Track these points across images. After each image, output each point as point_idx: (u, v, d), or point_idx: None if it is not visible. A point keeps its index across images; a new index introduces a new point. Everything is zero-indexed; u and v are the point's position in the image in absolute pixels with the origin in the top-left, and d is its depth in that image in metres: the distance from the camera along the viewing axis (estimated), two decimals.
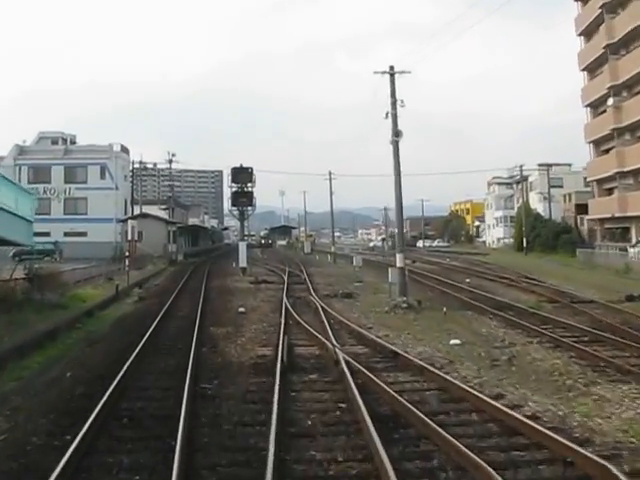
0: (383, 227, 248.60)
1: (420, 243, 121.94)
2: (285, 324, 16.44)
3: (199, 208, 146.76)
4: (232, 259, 50.61)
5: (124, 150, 61.76)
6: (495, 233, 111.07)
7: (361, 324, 17.48)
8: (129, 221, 46.64)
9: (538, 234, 64.39)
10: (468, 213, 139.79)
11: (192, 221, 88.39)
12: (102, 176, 57.98)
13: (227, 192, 43.48)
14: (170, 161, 62.11)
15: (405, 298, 22.25)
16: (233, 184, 41.93)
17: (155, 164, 62.44)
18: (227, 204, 55.02)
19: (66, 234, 52.73)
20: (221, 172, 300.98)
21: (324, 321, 17.03)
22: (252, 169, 41.99)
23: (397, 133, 23.44)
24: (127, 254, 34.94)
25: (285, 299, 23.21)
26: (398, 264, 24.23)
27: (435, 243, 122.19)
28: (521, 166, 72.78)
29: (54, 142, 59.99)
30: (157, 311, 20.10)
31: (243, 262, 39.90)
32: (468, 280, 32.28)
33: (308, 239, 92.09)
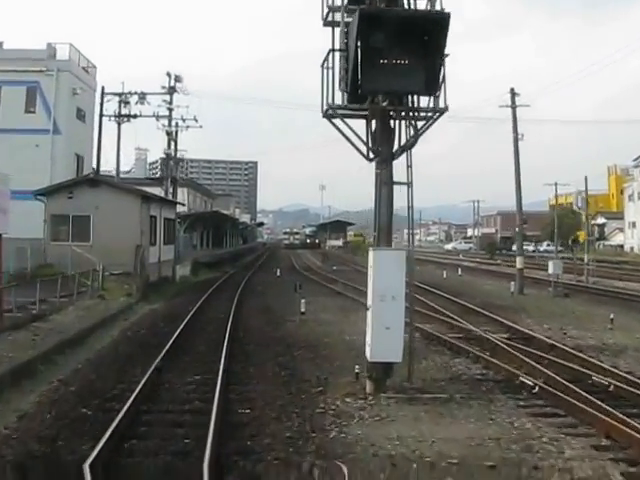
0: (432, 227, 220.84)
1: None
2: None
3: (228, 199, 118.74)
4: (285, 276, 34.83)
5: (87, 69, 33.20)
6: None
7: None
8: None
9: None
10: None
11: None
12: (29, 107, 29.52)
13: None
14: (171, 89, 33.32)
15: None
16: None
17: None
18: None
19: None
20: (255, 163, 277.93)
21: None
22: None
23: None
24: None
25: None
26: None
27: (543, 247, 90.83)
28: None
29: None
30: None
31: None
32: None
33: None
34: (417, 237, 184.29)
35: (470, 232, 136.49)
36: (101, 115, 32.03)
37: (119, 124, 33.40)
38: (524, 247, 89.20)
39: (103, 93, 31.92)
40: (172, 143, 36.55)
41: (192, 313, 19.74)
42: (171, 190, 38.25)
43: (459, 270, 44.63)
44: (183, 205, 37.78)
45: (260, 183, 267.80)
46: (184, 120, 34.22)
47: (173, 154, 35.45)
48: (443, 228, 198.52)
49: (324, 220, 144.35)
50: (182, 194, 66.07)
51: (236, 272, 40.95)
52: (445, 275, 40.63)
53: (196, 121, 34.53)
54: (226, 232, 64.94)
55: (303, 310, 20.29)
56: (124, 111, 33.07)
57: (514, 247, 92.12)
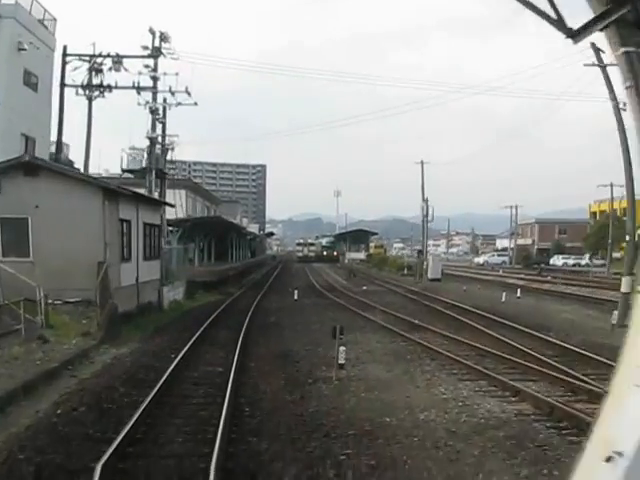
0: (456, 237, 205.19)
1: (557, 260, 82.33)
2: None
3: (235, 206, 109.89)
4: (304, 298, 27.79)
5: (44, 21, 24.82)
6: None
7: None
8: None
9: None
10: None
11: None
12: None
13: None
14: (156, 52, 24.74)
15: None
16: None
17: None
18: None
19: None
20: (264, 167, 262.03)
21: None
22: None
23: None
24: None
25: None
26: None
27: (584, 261, 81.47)
28: None
29: None
30: None
31: None
32: None
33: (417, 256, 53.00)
34: (439, 249, 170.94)
35: (500, 243, 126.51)
36: (62, 84, 23.72)
37: (90, 99, 25.01)
38: (562, 260, 79.91)
39: (65, 54, 23.60)
40: (162, 127, 28.18)
41: (174, 365, 12.23)
42: (165, 191, 29.92)
43: (518, 291, 36.08)
44: (172, 206, 29.18)
45: (268, 190, 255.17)
46: (173, 94, 25.59)
47: (160, 139, 26.92)
48: (467, 239, 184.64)
49: (340, 230, 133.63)
50: (179, 197, 57.65)
51: (243, 294, 32.45)
52: (504, 298, 32.21)
53: (189, 94, 25.87)
54: (231, 243, 56.42)
55: (342, 361, 12.32)
56: (97, 82, 24.70)
57: (552, 260, 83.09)
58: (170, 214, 33.19)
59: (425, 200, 44.58)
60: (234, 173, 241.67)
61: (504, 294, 33.22)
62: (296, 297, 30.58)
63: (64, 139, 26.31)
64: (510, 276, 54.60)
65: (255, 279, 47.40)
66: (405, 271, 55.03)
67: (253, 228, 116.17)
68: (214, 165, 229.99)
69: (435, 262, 44.23)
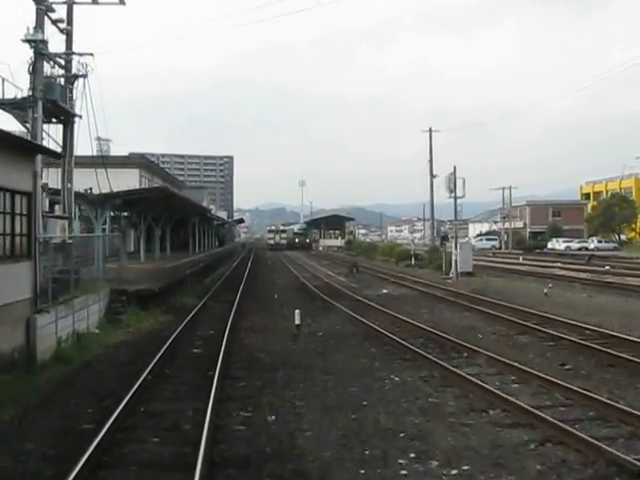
0: (418, 223, 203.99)
1: (557, 244, 72.73)
2: None
3: (202, 192, 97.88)
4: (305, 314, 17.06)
5: None
6: None
7: None
8: None
9: None
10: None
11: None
12: None
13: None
14: None
15: None
16: None
17: None
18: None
19: None
20: (231, 158, 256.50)
21: None
22: None
23: None
24: None
25: None
26: None
27: (593, 244, 71.55)
28: None
29: None
30: None
31: None
32: None
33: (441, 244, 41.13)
34: (402, 234, 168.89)
35: (473, 228, 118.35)
36: None
37: None
38: (564, 244, 69.84)
39: None
40: (66, 40, 16.18)
41: None
42: (72, 143, 18.01)
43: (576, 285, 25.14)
44: (58, 157, 16.67)
45: (236, 181, 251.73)
46: None
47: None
48: (428, 224, 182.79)
49: (306, 218, 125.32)
50: (132, 177, 45.22)
51: (203, 310, 20.54)
52: (546, 291, 21.35)
53: None
54: (194, 230, 44.26)
55: None
56: None
57: (551, 244, 73.63)
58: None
59: (453, 175, 32.98)
60: (202, 164, 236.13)
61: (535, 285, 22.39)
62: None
63: None
64: (540, 264, 43.68)
65: (224, 277, 35.25)
66: (412, 261, 43.63)
67: (222, 215, 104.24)
68: (182, 157, 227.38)
69: (466, 251, 32.73)
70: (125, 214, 26.40)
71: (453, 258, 31.55)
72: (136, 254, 32.05)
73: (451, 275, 32.75)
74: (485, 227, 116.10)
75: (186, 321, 17.01)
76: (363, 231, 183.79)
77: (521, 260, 49.32)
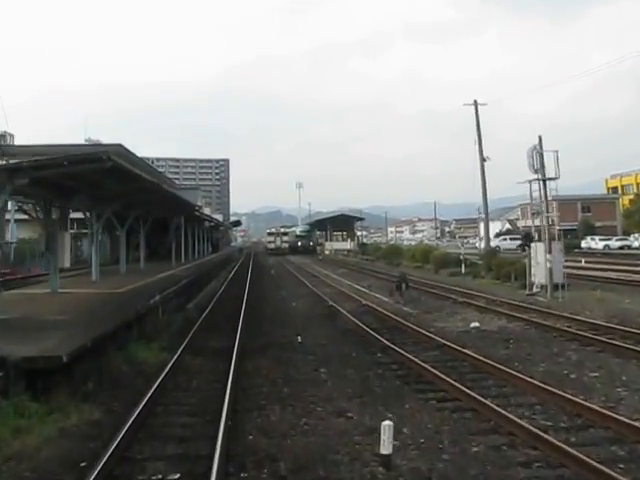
0: (419, 223, 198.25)
1: (594, 242, 64.63)
2: None
3: (195, 192, 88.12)
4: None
5: None
6: None
7: None
8: None
9: None
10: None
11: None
12: None
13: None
14: None
15: None
16: None
17: None
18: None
19: None
20: (227, 161, 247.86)
21: None
22: None
23: None
24: None
25: None
26: None
27: (637, 242, 63.40)
28: None
29: None
30: None
31: None
32: None
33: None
34: (403, 234, 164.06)
35: (491, 227, 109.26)
36: None
37: None
38: (601, 242, 61.32)
39: None
40: None
41: None
42: None
43: None
44: None
45: (232, 185, 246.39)
46: None
47: None
48: (431, 225, 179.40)
49: (303, 221, 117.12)
50: None
51: (177, 372, 10.86)
52: None
53: None
54: (177, 232, 34.73)
55: None
56: None
57: (584, 243, 64.96)
58: None
59: (538, 147, 23.51)
60: (197, 168, 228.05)
61: None
62: (386, 449, 10.53)
63: None
64: (607, 268, 34.18)
65: (216, 298, 25.15)
66: (462, 270, 34.10)
67: (217, 217, 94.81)
68: (177, 160, 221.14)
69: (558, 258, 23.13)
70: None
71: (547, 266, 22.05)
72: (94, 267, 22.31)
73: (535, 290, 23.35)
74: (497, 226, 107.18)
75: (130, 422, 7.52)
76: (363, 233, 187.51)
77: (583, 263, 39.78)
